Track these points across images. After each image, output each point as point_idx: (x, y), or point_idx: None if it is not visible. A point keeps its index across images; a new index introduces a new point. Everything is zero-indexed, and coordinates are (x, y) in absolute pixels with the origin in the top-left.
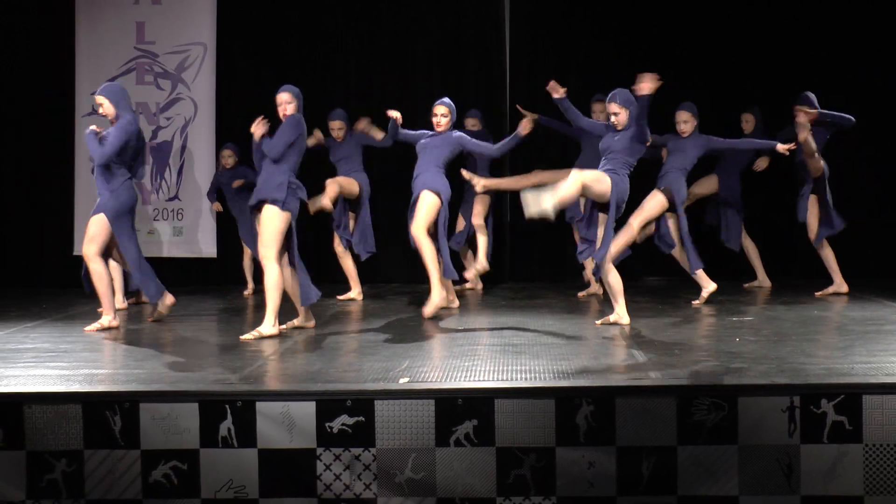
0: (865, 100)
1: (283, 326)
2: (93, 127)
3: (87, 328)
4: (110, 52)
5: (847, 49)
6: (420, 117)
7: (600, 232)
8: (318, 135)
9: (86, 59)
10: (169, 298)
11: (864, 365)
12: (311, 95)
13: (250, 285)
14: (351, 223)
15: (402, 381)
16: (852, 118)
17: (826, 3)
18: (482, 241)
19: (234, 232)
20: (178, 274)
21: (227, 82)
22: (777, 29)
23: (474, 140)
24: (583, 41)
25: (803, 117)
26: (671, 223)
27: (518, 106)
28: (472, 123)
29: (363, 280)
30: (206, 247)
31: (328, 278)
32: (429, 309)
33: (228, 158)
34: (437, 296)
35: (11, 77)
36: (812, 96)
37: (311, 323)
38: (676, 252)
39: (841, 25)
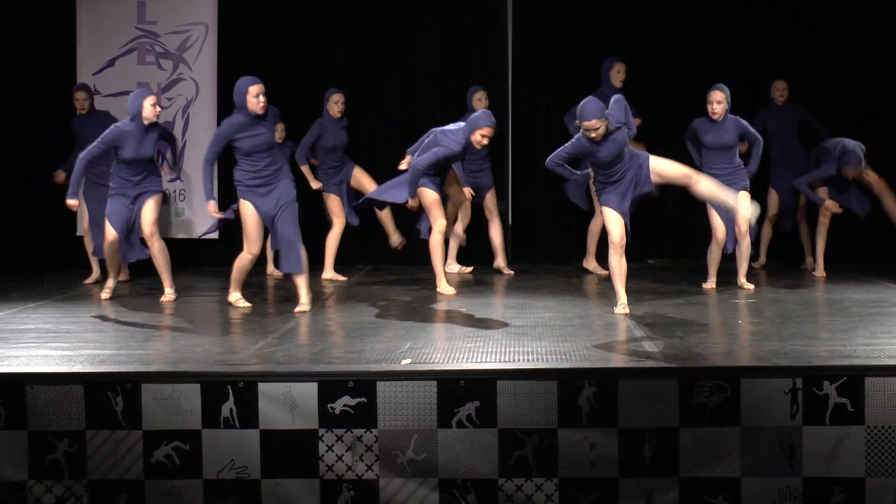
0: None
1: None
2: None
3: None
4: (111, 32)
5: (846, 46)
6: (420, 110)
7: None
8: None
9: (87, 38)
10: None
11: (867, 347)
12: (313, 77)
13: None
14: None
15: (404, 362)
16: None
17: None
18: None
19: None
20: (180, 255)
21: (229, 62)
22: (779, 26)
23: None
24: (584, 39)
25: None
26: None
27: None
28: (478, 98)
29: (365, 262)
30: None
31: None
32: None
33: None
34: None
35: (11, 57)
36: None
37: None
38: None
39: (839, 21)
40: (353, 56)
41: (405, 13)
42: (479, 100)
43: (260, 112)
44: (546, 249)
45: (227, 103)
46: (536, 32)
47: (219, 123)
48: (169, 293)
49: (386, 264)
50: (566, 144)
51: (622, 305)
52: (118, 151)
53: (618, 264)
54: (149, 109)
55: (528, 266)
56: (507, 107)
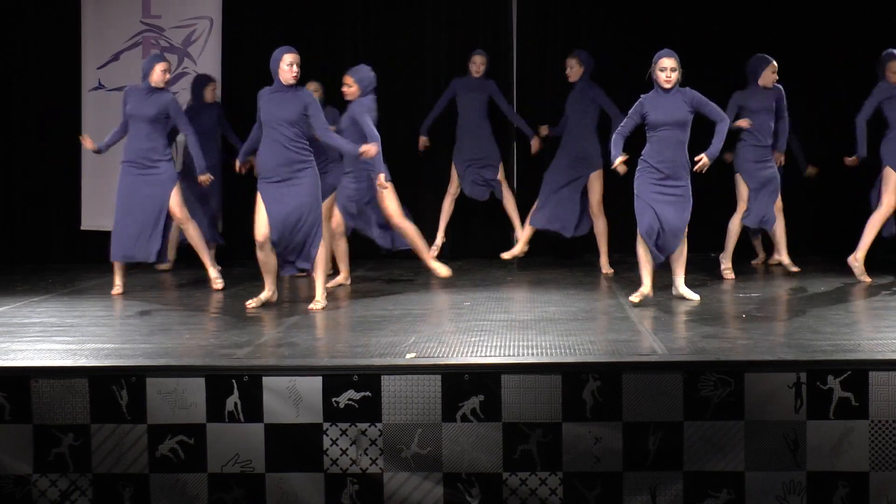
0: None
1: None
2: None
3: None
4: (116, 26)
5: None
6: (429, 93)
7: None
8: None
9: (92, 32)
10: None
11: (871, 341)
12: (318, 71)
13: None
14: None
15: (408, 356)
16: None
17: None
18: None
19: (240, 208)
20: (185, 249)
21: (233, 57)
22: (788, 8)
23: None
24: (592, 20)
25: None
26: None
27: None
28: (480, 62)
29: (370, 255)
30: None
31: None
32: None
33: None
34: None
35: (18, 51)
36: None
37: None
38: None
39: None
40: (361, 49)
41: (414, 5)
42: (473, 63)
43: (291, 82)
44: (552, 243)
45: (231, 97)
46: (545, 13)
47: (225, 117)
48: (215, 276)
49: (388, 258)
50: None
51: (639, 294)
52: (124, 108)
53: (645, 252)
54: (158, 74)
55: (532, 259)
56: (511, 81)
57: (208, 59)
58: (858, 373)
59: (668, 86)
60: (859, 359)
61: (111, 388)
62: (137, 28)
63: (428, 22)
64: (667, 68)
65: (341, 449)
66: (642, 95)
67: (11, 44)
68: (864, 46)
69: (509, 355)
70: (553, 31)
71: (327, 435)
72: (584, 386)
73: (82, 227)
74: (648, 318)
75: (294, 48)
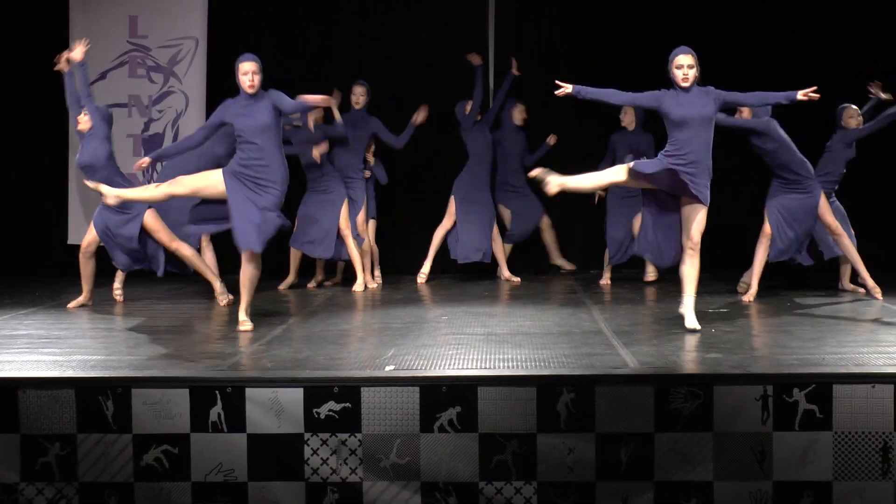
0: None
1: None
2: None
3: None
4: (104, 45)
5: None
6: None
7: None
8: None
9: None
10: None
11: (835, 355)
12: (299, 91)
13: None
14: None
15: (387, 368)
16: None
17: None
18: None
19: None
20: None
21: (218, 76)
22: (765, 20)
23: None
24: (567, 30)
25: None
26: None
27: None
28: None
29: (347, 270)
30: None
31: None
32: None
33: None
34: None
35: (6, 68)
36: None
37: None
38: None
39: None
40: (342, 69)
41: (395, 38)
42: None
43: (249, 92)
44: (525, 259)
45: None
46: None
47: None
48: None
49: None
50: None
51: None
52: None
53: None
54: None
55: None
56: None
57: (194, 78)
58: (823, 386)
59: (686, 84)
60: (823, 372)
61: (97, 399)
62: (124, 48)
63: (412, 45)
64: (683, 65)
65: (322, 458)
66: (663, 89)
67: (2, 61)
68: (861, 48)
69: (486, 368)
70: (528, 44)
71: (308, 445)
72: (558, 398)
73: (69, 242)
74: (621, 333)
75: (253, 56)
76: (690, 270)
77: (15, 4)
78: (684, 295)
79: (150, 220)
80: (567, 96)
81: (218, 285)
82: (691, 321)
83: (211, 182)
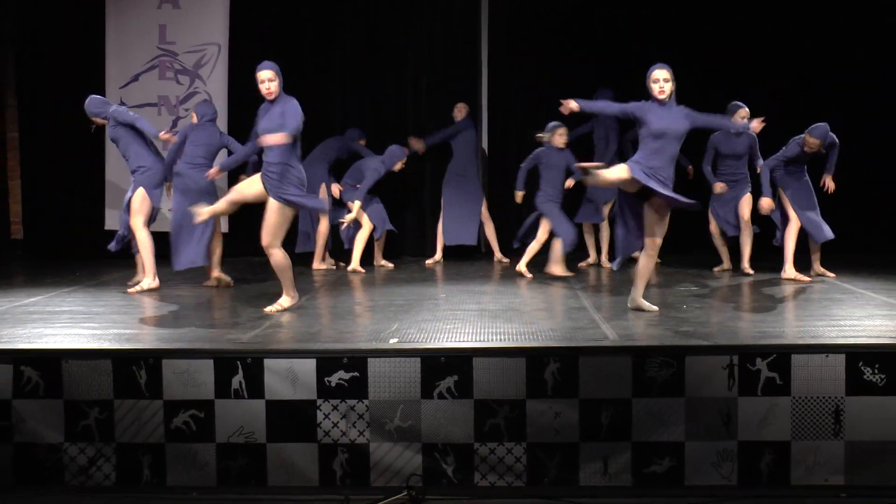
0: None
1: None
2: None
3: (130, 290)
4: (136, 51)
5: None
6: (411, 116)
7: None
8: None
9: (115, 56)
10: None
11: (794, 329)
12: (319, 94)
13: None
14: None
15: (392, 341)
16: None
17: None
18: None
19: (244, 210)
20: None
21: (239, 78)
22: (755, 29)
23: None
24: (559, 41)
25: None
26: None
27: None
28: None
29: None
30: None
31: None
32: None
33: None
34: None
35: (50, 73)
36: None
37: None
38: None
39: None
40: (349, 80)
41: (399, 43)
42: (459, 110)
43: (267, 98)
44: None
45: (237, 115)
46: (515, 37)
47: (229, 133)
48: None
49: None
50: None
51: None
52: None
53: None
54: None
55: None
56: (480, 117)
57: (216, 80)
58: (782, 356)
59: (662, 97)
60: (783, 343)
61: (132, 369)
62: (154, 53)
63: (409, 63)
64: (660, 80)
65: (333, 422)
66: (643, 101)
67: (45, 66)
68: (859, 48)
69: (480, 341)
70: (520, 59)
71: (320, 410)
72: (545, 368)
73: (106, 227)
74: (602, 309)
75: (269, 63)
76: (647, 265)
77: (58, 14)
78: (637, 288)
79: (137, 202)
80: (571, 113)
81: (149, 279)
82: (648, 305)
83: (252, 185)
